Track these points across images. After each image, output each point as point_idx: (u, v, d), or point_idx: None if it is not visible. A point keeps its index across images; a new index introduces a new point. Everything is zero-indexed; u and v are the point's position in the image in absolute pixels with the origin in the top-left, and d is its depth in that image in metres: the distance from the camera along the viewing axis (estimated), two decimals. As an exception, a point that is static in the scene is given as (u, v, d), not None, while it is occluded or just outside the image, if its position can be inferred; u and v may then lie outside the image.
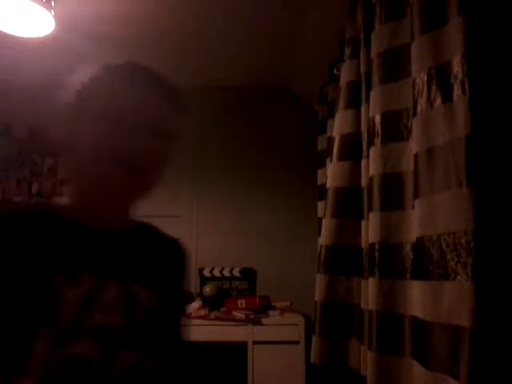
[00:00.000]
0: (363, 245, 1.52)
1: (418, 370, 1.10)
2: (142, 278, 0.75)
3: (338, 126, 1.75)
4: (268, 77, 3.23)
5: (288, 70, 3.09)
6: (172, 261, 0.85)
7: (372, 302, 1.34)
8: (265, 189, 3.33)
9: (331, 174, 1.72)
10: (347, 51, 1.76)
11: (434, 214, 1.07)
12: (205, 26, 2.59)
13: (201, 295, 3.03)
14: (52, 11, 2.19)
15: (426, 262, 1.07)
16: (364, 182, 1.54)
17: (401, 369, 1.23)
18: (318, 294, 1.68)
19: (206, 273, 3.16)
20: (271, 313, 2.88)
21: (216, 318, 2.74)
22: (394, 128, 1.33)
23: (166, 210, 2.70)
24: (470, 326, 0.92)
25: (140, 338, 0.72)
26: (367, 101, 1.51)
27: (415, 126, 1.16)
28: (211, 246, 3.19)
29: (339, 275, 1.64)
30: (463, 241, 0.96)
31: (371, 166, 1.41)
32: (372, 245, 1.37)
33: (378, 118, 1.38)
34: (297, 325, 2.72)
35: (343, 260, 1.64)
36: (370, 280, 1.37)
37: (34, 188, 3.38)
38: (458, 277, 0.97)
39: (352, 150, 1.65)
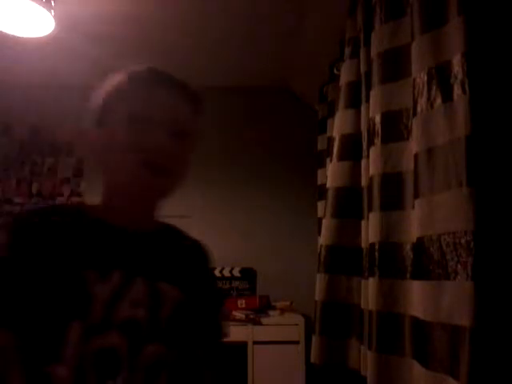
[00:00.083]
0: (363, 245, 1.52)
1: (417, 369, 1.10)
2: (167, 275, 0.79)
3: (338, 125, 1.75)
4: (268, 77, 3.23)
5: (288, 69, 3.09)
6: (196, 260, 0.89)
7: (372, 302, 1.34)
8: (265, 189, 3.33)
9: (331, 174, 1.72)
10: (347, 51, 1.75)
11: (433, 214, 1.07)
12: (205, 26, 2.59)
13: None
14: (52, 11, 2.19)
15: (426, 262, 1.07)
16: (364, 182, 1.54)
17: (401, 369, 1.23)
18: (318, 294, 1.68)
19: (206, 273, 3.16)
20: (271, 313, 2.88)
21: (216, 318, 2.73)
22: (394, 128, 1.33)
23: (165, 210, 2.70)
24: (470, 326, 0.92)
25: (165, 332, 0.76)
26: (367, 101, 1.51)
27: (415, 125, 1.16)
28: (211, 245, 3.15)
29: (339, 275, 1.64)
30: (463, 241, 0.96)
31: (371, 165, 1.41)
32: (372, 245, 1.37)
33: (378, 118, 1.38)
34: (297, 325, 2.72)
35: (343, 260, 1.64)
36: (370, 280, 1.37)
37: (34, 188, 3.38)
38: (458, 277, 0.97)
39: (352, 149, 1.65)
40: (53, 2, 2.18)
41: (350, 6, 1.78)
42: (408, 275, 1.24)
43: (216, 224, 3.25)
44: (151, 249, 0.80)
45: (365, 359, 1.40)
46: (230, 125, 3.37)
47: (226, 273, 3.18)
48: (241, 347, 2.64)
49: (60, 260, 0.70)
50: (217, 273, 3.17)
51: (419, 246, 1.11)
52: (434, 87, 1.10)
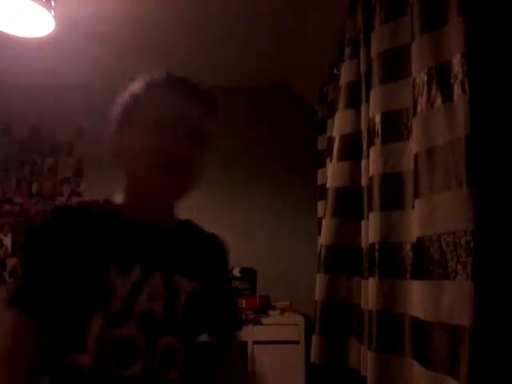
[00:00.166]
0: (363, 245, 1.52)
1: (417, 369, 1.10)
2: (184, 268, 0.84)
3: (338, 125, 1.75)
4: (268, 77, 3.23)
5: (288, 69, 3.09)
6: (214, 253, 0.94)
7: (372, 302, 1.34)
8: (265, 189, 3.33)
9: (331, 174, 1.72)
10: (347, 51, 1.75)
11: (433, 214, 1.07)
12: (205, 26, 2.59)
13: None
14: (52, 11, 2.19)
15: (426, 262, 1.07)
16: (364, 182, 1.54)
17: (401, 369, 1.23)
18: (318, 294, 1.68)
19: (206, 273, 3.16)
20: (271, 313, 2.88)
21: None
22: (394, 128, 1.33)
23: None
24: (470, 326, 0.92)
25: (180, 323, 0.80)
26: (367, 101, 1.51)
27: (415, 125, 1.16)
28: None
29: (339, 275, 1.64)
30: (463, 241, 0.96)
31: (371, 165, 1.41)
32: (372, 245, 1.37)
33: (378, 118, 1.38)
34: (297, 325, 2.72)
35: (343, 260, 1.63)
36: (370, 280, 1.37)
37: (34, 188, 3.38)
38: (458, 277, 0.97)
39: (352, 149, 1.65)
40: (53, 2, 2.18)
41: (350, 6, 1.78)
42: (408, 275, 1.23)
43: (216, 224, 3.24)
44: (169, 244, 0.85)
45: (365, 359, 1.41)
46: (230, 125, 3.36)
47: (226, 273, 3.17)
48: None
49: (86, 254, 0.76)
50: (217, 273, 3.17)
51: (419, 246, 1.11)
52: (434, 87, 1.10)
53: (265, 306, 2.94)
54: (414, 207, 1.16)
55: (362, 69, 1.61)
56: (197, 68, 3.07)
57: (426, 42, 1.14)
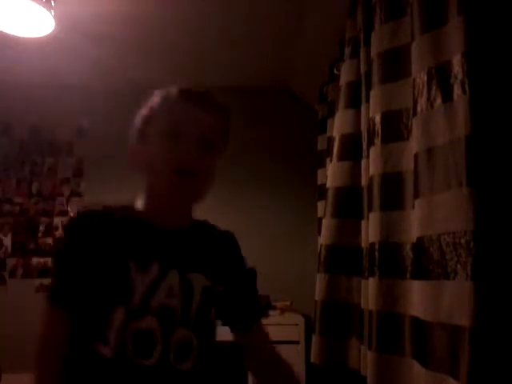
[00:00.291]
0: (363, 245, 1.52)
1: (418, 369, 1.10)
2: (200, 266, 0.89)
3: (338, 125, 1.75)
4: (268, 77, 3.23)
5: (288, 69, 3.09)
6: (228, 249, 1.00)
7: (372, 302, 1.34)
8: (265, 189, 3.33)
9: (331, 174, 1.72)
10: (347, 51, 1.76)
11: (433, 214, 1.07)
12: (205, 26, 2.59)
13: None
14: (52, 11, 2.19)
15: (426, 262, 1.07)
16: (364, 182, 1.54)
17: (401, 369, 1.23)
18: (318, 294, 1.68)
19: (206, 273, 3.16)
20: (271, 313, 2.88)
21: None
22: (394, 128, 1.33)
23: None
24: (470, 326, 0.92)
25: (194, 318, 0.86)
26: (367, 101, 1.51)
27: (415, 125, 1.16)
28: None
29: (339, 275, 1.64)
30: (463, 241, 0.96)
31: (371, 165, 1.41)
32: (372, 245, 1.37)
33: (378, 118, 1.38)
34: (297, 325, 2.73)
35: (343, 260, 1.63)
36: (370, 280, 1.37)
37: (34, 188, 3.38)
38: (458, 277, 0.97)
39: (352, 149, 1.65)
40: (53, 2, 2.19)
41: (350, 6, 1.78)
42: (408, 275, 1.23)
43: (216, 224, 3.24)
44: (185, 243, 0.91)
45: (365, 359, 1.41)
46: (230, 125, 3.37)
47: (226, 273, 3.17)
48: (241, 347, 2.64)
49: (110, 253, 0.83)
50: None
51: (419, 245, 1.11)
52: (434, 87, 1.10)
53: (265, 306, 2.93)
54: (413, 207, 1.16)
55: (362, 69, 1.61)
56: (197, 68, 3.08)
57: (426, 42, 1.14)
